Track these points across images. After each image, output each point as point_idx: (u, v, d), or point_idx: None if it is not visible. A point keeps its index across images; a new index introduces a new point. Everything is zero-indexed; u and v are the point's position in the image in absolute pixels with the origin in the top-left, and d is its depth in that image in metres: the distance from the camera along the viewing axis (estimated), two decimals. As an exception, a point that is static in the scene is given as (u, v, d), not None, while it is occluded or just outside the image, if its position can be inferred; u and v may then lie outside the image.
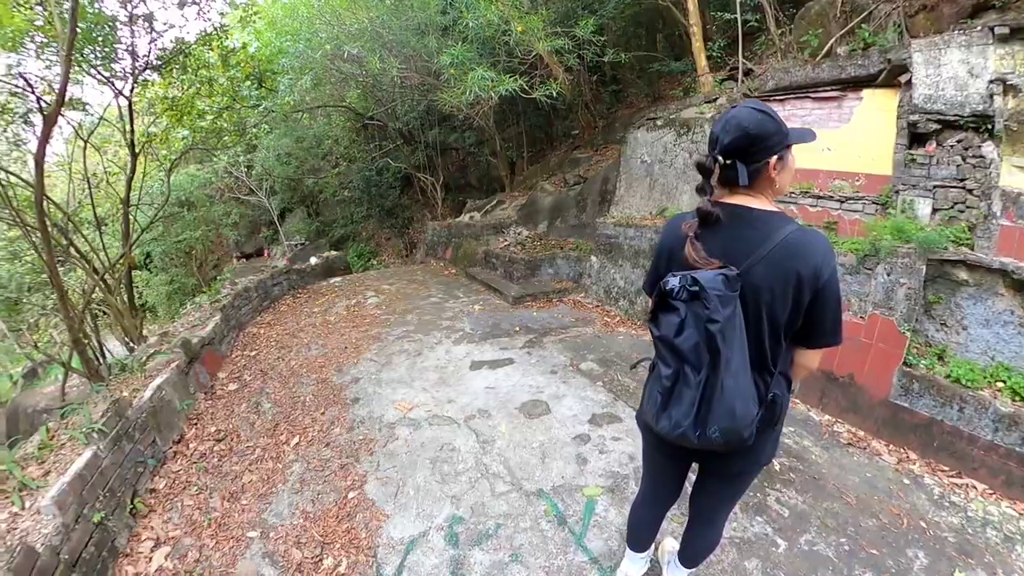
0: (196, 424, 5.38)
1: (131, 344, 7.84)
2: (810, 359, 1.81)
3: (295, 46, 11.95)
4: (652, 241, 6.90)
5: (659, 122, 8.18)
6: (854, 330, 4.36)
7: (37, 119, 8.63)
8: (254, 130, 16.11)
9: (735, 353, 1.50)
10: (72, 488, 3.31)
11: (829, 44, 6.31)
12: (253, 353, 7.19)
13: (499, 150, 13.07)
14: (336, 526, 3.42)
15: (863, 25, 6.01)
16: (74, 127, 10.43)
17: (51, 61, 8.27)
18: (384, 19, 10.05)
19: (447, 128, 14.73)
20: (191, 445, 4.99)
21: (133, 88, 9.51)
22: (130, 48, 9.36)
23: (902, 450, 4.02)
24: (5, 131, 8.84)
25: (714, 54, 8.56)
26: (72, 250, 8.74)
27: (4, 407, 15.05)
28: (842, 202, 5.59)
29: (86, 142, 9.96)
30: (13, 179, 8.18)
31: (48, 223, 6.47)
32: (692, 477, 2.18)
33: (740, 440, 1.55)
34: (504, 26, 8.11)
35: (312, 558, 3.15)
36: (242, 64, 11.47)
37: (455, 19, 9.74)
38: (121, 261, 9.79)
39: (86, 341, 7.67)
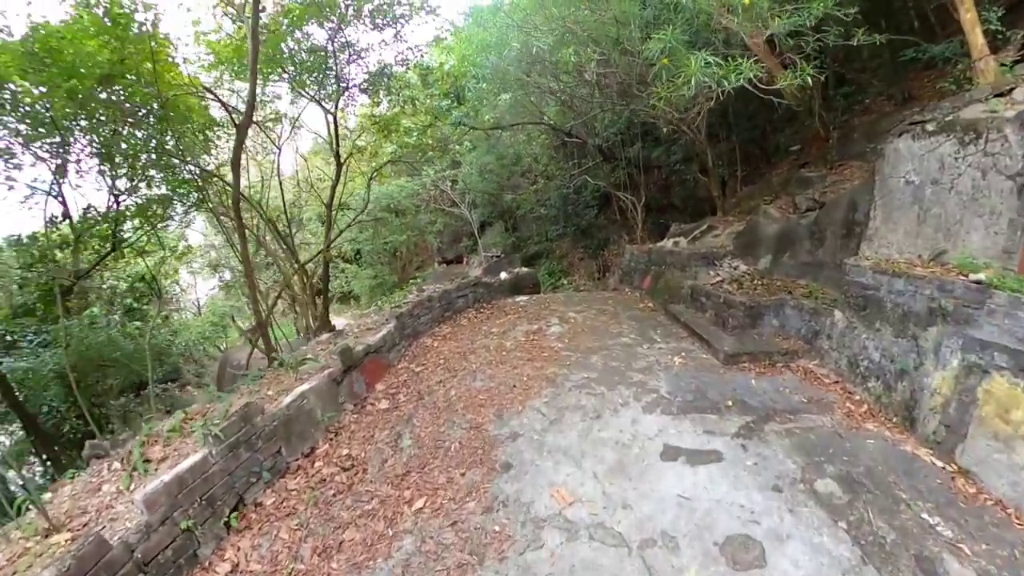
0: (333, 439, 4.79)
1: (309, 334, 8.01)
2: None
3: (487, 58, 11.64)
4: (934, 302, 4.50)
5: (930, 126, 5.47)
6: None
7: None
8: (457, 147, 16.67)
9: None
10: (168, 490, 3.07)
11: None
12: (418, 369, 6.62)
13: (711, 166, 11.05)
14: None
15: None
16: (269, 135, 11.49)
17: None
18: (577, 14, 8.95)
19: (650, 142, 13.18)
20: (317, 464, 4.36)
21: (338, 106, 10.23)
22: (336, 72, 10.06)
23: None
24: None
25: (991, 27, 5.66)
26: (271, 243, 9.38)
27: (223, 353, 17.95)
28: None
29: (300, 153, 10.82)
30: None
31: (244, 221, 6.77)
32: None
33: None
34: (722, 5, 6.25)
35: None
36: (440, 82, 11.58)
37: (656, 15, 8.26)
38: (317, 259, 10.42)
39: (269, 325, 7.99)
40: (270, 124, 10.62)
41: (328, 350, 6.19)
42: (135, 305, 12.29)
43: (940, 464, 3.85)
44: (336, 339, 7.45)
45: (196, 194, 9.98)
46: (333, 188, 10.87)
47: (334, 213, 11.53)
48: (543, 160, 17.94)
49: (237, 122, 7.27)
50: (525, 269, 12.80)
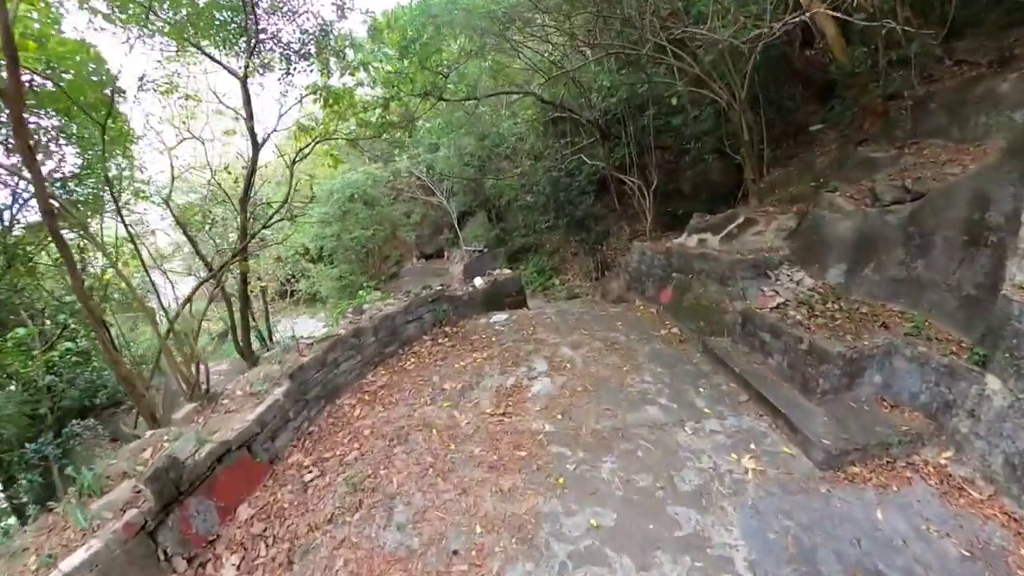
0: None
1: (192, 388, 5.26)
2: None
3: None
4: None
5: None
6: None
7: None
8: (427, 125, 13.88)
9: None
10: None
11: None
12: (310, 477, 4.02)
13: (748, 137, 8.36)
14: None
15: None
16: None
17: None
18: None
19: (663, 112, 10.44)
20: None
21: (248, 67, 7.49)
22: (246, 25, 7.24)
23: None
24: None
25: None
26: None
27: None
28: None
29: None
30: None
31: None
32: None
33: None
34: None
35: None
36: (387, 33, 8.79)
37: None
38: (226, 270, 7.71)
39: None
40: (160, 95, 7.86)
41: (140, 472, 3.56)
42: (70, 323, 9.87)
43: None
44: (201, 415, 4.81)
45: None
46: (248, 177, 8.10)
47: (252, 210, 8.86)
48: (529, 139, 15.19)
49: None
50: (507, 272, 10.12)
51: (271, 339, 19.82)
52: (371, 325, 5.91)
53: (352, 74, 10.35)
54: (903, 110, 7.89)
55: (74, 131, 7.40)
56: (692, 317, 6.66)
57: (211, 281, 8.26)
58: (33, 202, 8.33)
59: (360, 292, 13.67)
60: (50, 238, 9.58)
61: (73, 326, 10.49)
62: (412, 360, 5.96)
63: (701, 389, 4.79)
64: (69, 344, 10.13)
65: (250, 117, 7.90)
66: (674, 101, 10.09)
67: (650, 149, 10.58)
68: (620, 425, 4.07)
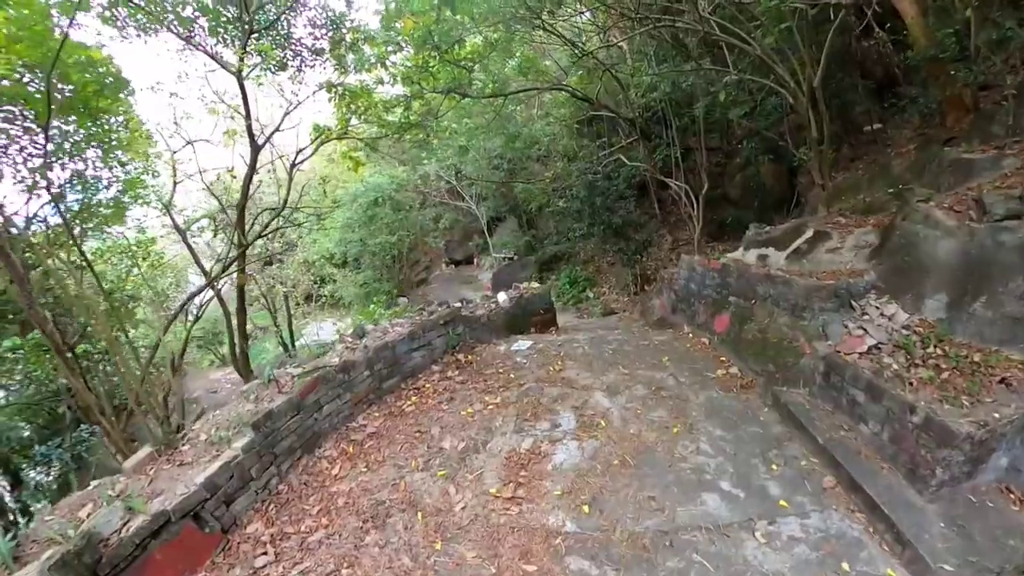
0: None
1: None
2: None
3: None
4: None
5: None
6: None
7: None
8: (454, 127, 12.97)
9: None
10: None
11: None
12: (270, 554, 3.14)
13: (816, 133, 7.04)
14: None
15: None
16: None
17: None
18: None
19: (720, 106, 9.19)
20: None
21: (243, 58, 6.72)
22: (240, 12, 6.44)
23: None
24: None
25: None
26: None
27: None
28: None
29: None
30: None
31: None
32: None
33: None
34: None
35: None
36: (403, 21, 7.90)
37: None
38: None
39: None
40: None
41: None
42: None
43: None
44: (154, 464, 3.97)
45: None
46: (246, 181, 7.35)
47: (254, 216, 8.13)
48: (563, 140, 14.11)
49: None
50: (535, 286, 9.07)
51: (293, 345, 19.39)
52: (364, 358, 4.97)
53: (369, 71, 9.53)
54: (1002, 102, 6.60)
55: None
56: (756, 355, 5.47)
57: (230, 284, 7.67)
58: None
59: (371, 307, 12.94)
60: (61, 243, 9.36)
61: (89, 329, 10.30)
62: (413, 399, 4.99)
63: (774, 465, 3.63)
64: (86, 346, 9.81)
65: (248, 115, 7.14)
66: (721, 96, 8.90)
67: (699, 149, 9.34)
68: (668, 525, 2.98)
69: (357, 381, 4.82)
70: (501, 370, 5.35)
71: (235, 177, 8.88)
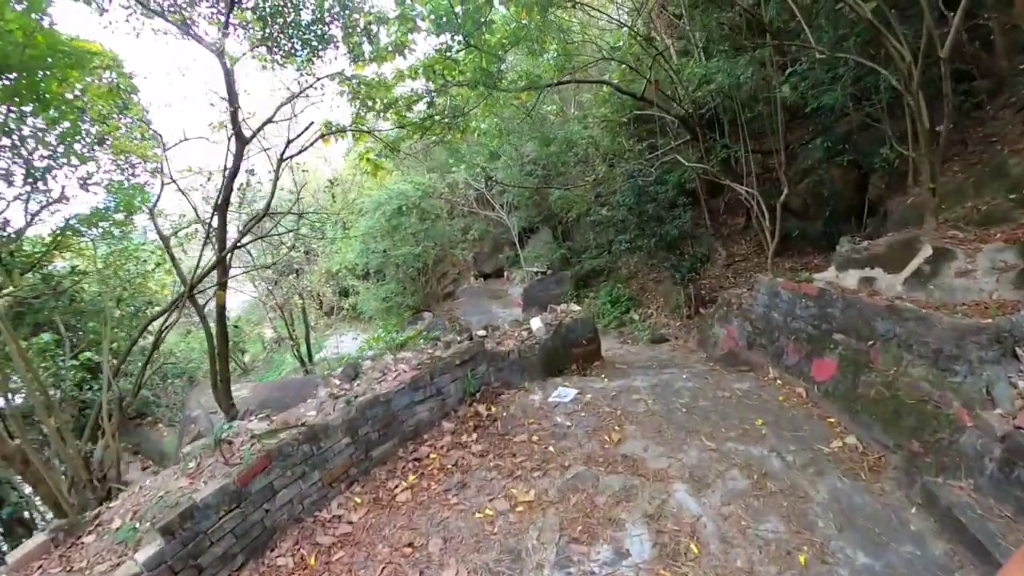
0: None
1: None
2: None
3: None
4: None
5: None
6: None
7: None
8: (482, 126, 11.81)
9: None
10: None
11: None
12: None
13: (929, 125, 5.42)
14: None
15: None
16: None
17: None
18: None
19: (802, 90, 7.72)
20: None
21: (226, 33, 5.64)
22: None
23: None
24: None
25: None
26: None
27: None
28: None
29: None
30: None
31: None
32: None
33: None
34: None
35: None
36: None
37: None
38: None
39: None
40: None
41: None
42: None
43: None
44: (50, 557, 2.80)
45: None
46: (229, 179, 6.26)
47: (247, 221, 7.04)
48: (604, 142, 12.73)
49: None
50: (575, 309, 7.70)
51: (311, 359, 18.46)
52: (344, 419, 3.69)
53: (386, 59, 8.41)
54: None
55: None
56: (884, 421, 3.98)
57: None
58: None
59: (381, 332, 11.79)
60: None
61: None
62: (411, 479, 3.68)
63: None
64: (89, 353, 9.75)
65: (233, 101, 6.04)
66: (786, 90, 7.50)
67: (778, 148, 7.84)
68: None
69: (332, 453, 3.54)
70: (536, 437, 3.98)
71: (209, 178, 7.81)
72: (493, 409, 4.49)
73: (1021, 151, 6.47)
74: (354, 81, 8.79)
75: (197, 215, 7.53)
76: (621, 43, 10.79)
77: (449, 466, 3.67)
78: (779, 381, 5.27)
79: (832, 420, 4.38)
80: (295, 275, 17.55)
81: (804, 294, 5.43)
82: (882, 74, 5.69)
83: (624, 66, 10.99)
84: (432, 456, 3.83)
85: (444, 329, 16.22)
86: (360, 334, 19.44)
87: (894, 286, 5.25)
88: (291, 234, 10.70)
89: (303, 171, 11.04)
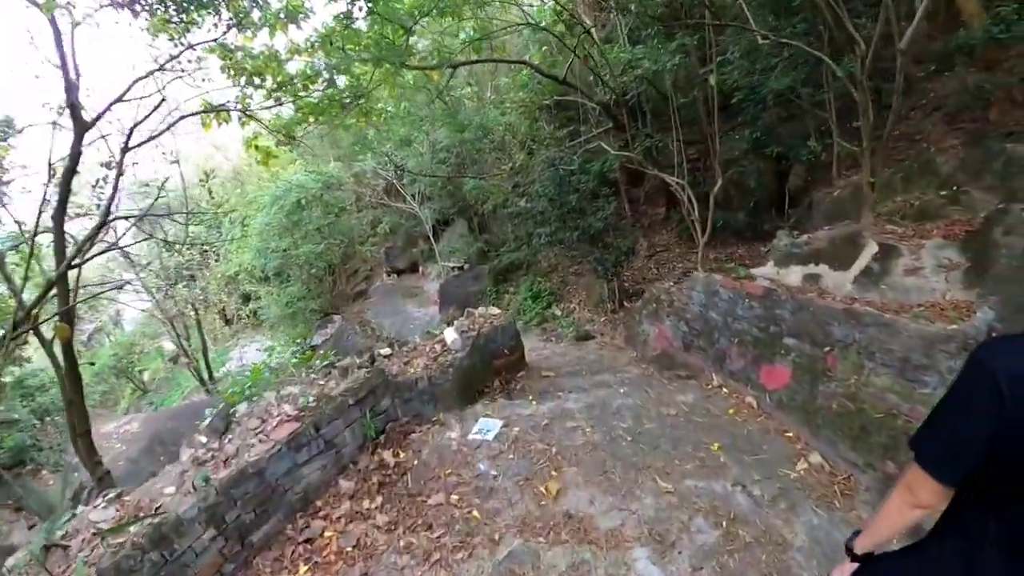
0: None
1: None
2: None
3: None
4: None
5: None
6: None
7: None
8: (390, 110, 10.72)
9: None
10: None
11: None
12: None
13: (872, 116, 5.20)
14: None
15: None
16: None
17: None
18: None
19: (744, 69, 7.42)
20: None
21: None
22: None
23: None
24: None
25: None
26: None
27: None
28: None
29: None
30: None
31: None
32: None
33: None
34: None
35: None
36: None
37: None
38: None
39: None
40: None
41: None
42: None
43: None
44: None
45: None
46: (67, 175, 4.76)
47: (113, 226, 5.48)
48: (521, 129, 12.00)
49: None
50: (494, 312, 6.88)
51: (211, 378, 16.35)
52: (200, 509, 2.61)
53: (280, 29, 7.09)
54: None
55: None
56: (850, 436, 3.55)
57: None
58: None
59: (276, 349, 10.49)
60: None
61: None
62: (301, 571, 2.68)
63: None
64: None
65: (65, 71, 4.58)
66: (712, 80, 7.23)
67: (712, 137, 7.46)
68: None
69: (194, 555, 2.47)
70: (456, 496, 3.11)
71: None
72: (402, 455, 3.56)
73: (947, 150, 6.53)
74: (238, 54, 7.39)
75: (20, 229, 5.84)
76: (544, 22, 10.07)
77: (348, 549, 2.72)
78: (725, 389, 4.77)
79: (790, 434, 3.90)
80: (190, 280, 15.38)
81: (748, 294, 4.96)
82: (826, 64, 5.41)
83: (545, 48, 10.31)
84: (328, 533, 2.86)
85: (355, 334, 14.84)
86: (267, 341, 17.53)
87: (843, 285, 4.92)
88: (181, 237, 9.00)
89: (172, 162, 9.30)
